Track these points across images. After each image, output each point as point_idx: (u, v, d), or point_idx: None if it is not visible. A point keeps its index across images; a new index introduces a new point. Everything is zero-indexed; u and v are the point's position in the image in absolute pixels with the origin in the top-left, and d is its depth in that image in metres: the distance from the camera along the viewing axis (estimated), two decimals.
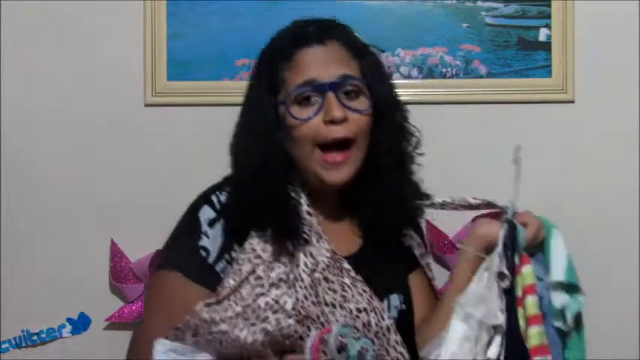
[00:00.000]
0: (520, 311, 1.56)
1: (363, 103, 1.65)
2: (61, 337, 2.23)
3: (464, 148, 2.22)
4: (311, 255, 1.62)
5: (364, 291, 1.63)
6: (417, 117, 2.23)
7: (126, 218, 2.21)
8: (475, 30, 2.22)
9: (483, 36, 2.22)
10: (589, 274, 2.24)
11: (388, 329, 1.62)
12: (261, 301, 1.56)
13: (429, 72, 2.23)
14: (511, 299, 1.56)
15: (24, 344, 2.23)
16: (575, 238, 2.24)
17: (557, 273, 1.58)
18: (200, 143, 2.17)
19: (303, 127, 1.62)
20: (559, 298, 1.60)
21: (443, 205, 1.72)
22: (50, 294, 2.23)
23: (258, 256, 1.60)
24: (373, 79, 1.67)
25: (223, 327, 1.55)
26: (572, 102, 2.21)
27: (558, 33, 2.21)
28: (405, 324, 1.71)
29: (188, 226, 1.65)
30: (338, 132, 1.61)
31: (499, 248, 1.59)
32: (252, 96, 1.68)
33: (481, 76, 2.22)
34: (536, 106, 2.22)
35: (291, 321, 1.55)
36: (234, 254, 1.61)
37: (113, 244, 2.18)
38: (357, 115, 1.63)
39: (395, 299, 1.71)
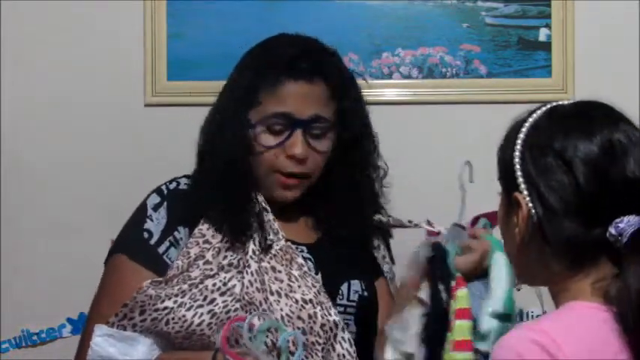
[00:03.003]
0: (449, 335, 1.52)
1: (325, 144, 1.69)
2: (61, 337, 2.24)
3: (463, 148, 2.22)
4: (260, 244, 1.65)
5: (313, 285, 1.65)
6: (417, 117, 2.24)
7: (126, 218, 2.21)
8: (475, 30, 2.22)
9: (483, 36, 2.22)
10: None
11: (336, 325, 1.63)
12: (209, 282, 1.61)
13: (429, 72, 2.23)
14: (436, 325, 1.52)
15: (24, 344, 2.24)
16: None
17: (496, 303, 1.54)
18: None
19: (265, 154, 1.66)
20: (488, 323, 1.56)
21: (380, 222, 1.77)
22: (50, 294, 2.23)
23: (208, 241, 1.65)
24: (346, 117, 1.71)
25: (169, 303, 1.59)
26: None
27: (558, 33, 2.21)
28: (366, 310, 1.73)
29: (136, 214, 1.72)
30: (295, 168, 1.66)
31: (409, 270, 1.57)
32: (230, 98, 1.71)
33: (481, 76, 2.22)
34: (536, 106, 2.21)
35: (237, 305, 1.59)
36: (177, 235, 1.67)
37: None
38: (317, 154, 1.68)
39: (356, 284, 1.73)
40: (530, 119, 1.24)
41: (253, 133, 1.67)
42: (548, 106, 1.25)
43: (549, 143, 1.19)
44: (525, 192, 1.20)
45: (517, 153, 1.22)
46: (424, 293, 1.55)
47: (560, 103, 1.25)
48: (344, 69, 1.75)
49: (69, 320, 2.23)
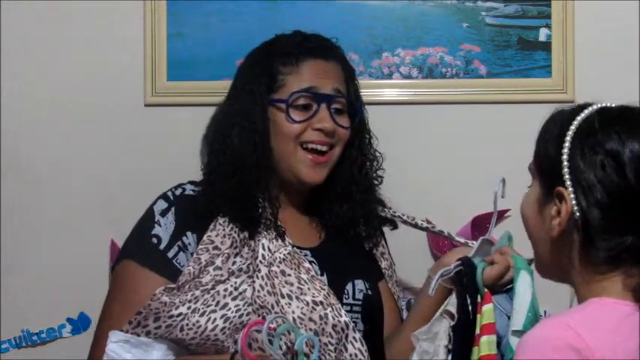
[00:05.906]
0: (475, 350, 1.53)
1: (345, 120, 1.77)
2: (61, 337, 2.23)
3: (463, 148, 2.22)
4: (269, 249, 1.68)
5: (322, 288, 1.67)
6: (417, 117, 2.24)
7: (126, 218, 2.21)
8: (475, 30, 2.22)
9: (483, 36, 2.22)
10: None
11: (347, 325, 1.65)
12: (221, 288, 1.64)
13: (429, 72, 2.22)
14: (462, 338, 1.54)
15: (24, 344, 2.23)
16: None
17: (517, 322, 1.55)
18: (200, 143, 2.17)
19: (293, 126, 1.72)
20: (515, 342, 1.56)
21: (393, 216, 1.86)
22: (50, 294, 2.23)
23: (217, 247, 1.67)
24: (356, 101, 1.81)
25: (183, 309, 1.61)
26: (572, 102, 2.20)
27: (558, 33, 2.21)
28: (371, 309, 1.77)
29: (143, 220, 1.74)
30: (323, 138, 1.73)
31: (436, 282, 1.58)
32: (245, 90, 1.75)
33: (481, 76, 2.22)
34: (536, 106, 2.21)
35: (250, 309, 1.61)
36: (185, 240, 1.68)
37: (113, 244, 2.18)
38: (340, 129, 1.76)
39: (360, 284, 1.77)
40: (579, 118, 1.27)
41: (278, 117, 1.72)
42: (595, 107, 1.29)
43: (602, 142, 1.23)
44: (571, 188, 1.23)
45: (565, 150, 1.25)
46: (452, 306, 1.56)
47: (606, 105, 1.29)
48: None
49: (69, 320, 2.23)
